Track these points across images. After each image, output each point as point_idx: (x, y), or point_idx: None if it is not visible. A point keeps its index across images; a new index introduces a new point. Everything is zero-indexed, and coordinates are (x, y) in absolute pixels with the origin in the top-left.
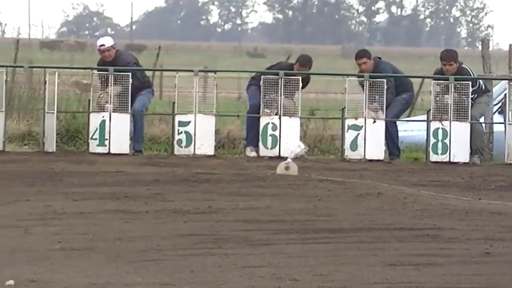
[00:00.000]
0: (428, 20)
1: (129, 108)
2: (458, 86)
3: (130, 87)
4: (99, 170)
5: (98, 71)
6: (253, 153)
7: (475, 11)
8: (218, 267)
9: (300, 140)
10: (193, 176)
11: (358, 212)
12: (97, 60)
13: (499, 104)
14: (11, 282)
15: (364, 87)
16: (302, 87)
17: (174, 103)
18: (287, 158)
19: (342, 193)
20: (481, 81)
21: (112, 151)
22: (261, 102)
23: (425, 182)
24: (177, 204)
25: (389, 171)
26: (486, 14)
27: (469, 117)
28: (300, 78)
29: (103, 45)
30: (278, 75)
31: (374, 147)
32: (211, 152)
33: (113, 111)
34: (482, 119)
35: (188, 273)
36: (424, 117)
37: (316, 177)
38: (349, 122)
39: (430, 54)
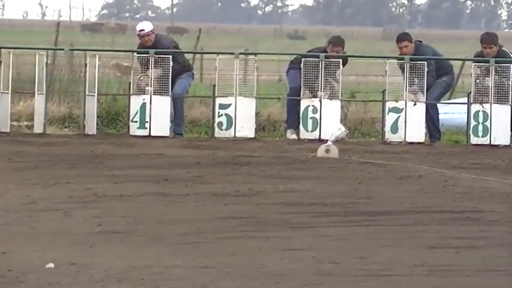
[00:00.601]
0: (468, 2)
1: (170, 91)
2: (499, 68)
3: (170, 70)
4: (139, 153)
5: (139, 53)
6: (294, 136)
7: None
8: (258, 250)
9: (341, 122)
10: (233, 158)
11: (398, 195)
12: (137, 43)
13: None
14: (51, 265)
15: (405, 70)
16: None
17: (214, 86)
18: (327, 140)
19: (383, 176)
20: None
21: (152, 134)
22: (302, 85)
23: (466, 164)
24: (217, 187)
25: (430, 154)
26: None
27: (510, 100)
28: (341, 60)
29: (142, 30)
30: (319, 57)
31: (415, 129)
32: (251, 134)
33: (154, 94)
34: None
35: (228, 256)
36: (465, 99)
37: (357, 159)
38: (389, 104)
39: (471, 37)
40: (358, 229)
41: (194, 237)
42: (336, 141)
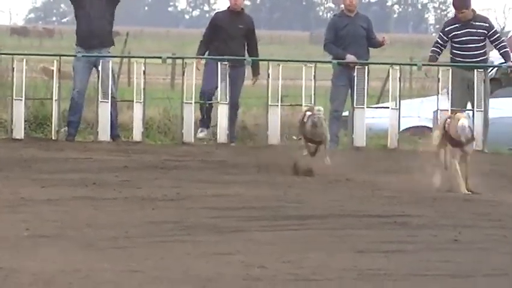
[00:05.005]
0: (396, 6)
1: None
2: None
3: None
4: (67, 157)
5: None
6: (202, 135)
7: None
8: (187, 254)
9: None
10: (161, 162)
11: (327, 199)
12: (65, 47)
13: None
14: None
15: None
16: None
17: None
18: None
19: (312, 180)
20: None
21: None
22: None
23: (394, 169)
24: (145, 191)
25: (359, 158)
26: None
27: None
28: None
29: None
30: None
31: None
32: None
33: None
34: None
35: (157, 260)
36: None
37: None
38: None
39: (399, 40)
40: (287, 233)
41: (123, 241)
42: None
